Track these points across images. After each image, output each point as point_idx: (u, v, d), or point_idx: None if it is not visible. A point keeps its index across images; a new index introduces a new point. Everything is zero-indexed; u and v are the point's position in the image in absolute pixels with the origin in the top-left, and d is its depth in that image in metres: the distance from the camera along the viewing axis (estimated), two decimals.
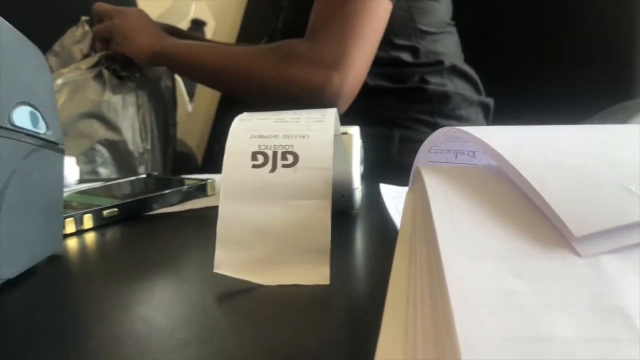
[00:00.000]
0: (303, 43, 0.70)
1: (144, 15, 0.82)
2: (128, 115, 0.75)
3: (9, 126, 0.25)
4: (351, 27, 0.67)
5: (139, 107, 0.77)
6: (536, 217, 0.15)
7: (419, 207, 0.18)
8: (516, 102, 0.83)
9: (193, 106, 1.33)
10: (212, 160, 1.14)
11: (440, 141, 0.26)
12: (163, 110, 0.82)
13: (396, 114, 0.79)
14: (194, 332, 0.21)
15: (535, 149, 0.18)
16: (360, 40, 0.67)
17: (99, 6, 0.83)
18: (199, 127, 1.27)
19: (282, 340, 0.20)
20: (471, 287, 0.13)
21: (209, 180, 0.48)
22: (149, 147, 0.77)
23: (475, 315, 0.12)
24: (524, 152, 0.18)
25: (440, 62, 0.79)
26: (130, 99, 0.76)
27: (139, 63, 0.80)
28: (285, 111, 0.31)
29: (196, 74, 0.79)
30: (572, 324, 0.12)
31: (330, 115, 0.30)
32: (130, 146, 0.75)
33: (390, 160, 0.77)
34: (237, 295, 0.25)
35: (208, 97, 1.26)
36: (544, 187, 0.16)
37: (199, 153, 1.22)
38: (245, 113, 0.31)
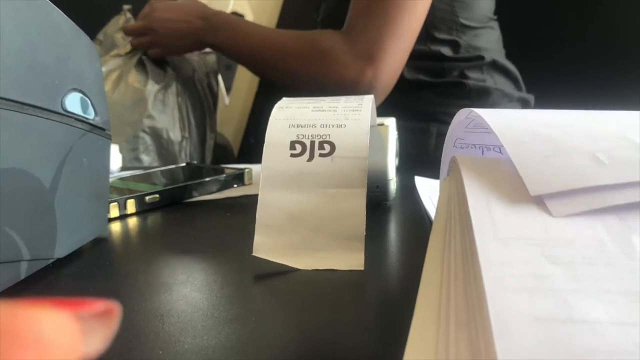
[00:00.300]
0: (339, 36, 0.70)
1: (169, 12, 0.80)
2: (169, 103, 0.77)
3: (62, 111, 0.26)
4: (389, 22, 0.66)
5: (177, 96, 0.78)
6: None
7: (455, 194, 0.19)
8: (558, 99, 0.81)
9: (230, 99, 1.35)
10: (248, 152, 1.15)
11: (463, 127, 0.26)
12: (199, 100, 0.84)
13: (434, 109, 0.78)
14: (233, 312, 0.22)
15: (526, 123, 0.19)
16: (397, 36, 0.67)
17: (126, 29, 0.83)
18: (236, 119, 1.29)
19: (318, 321, 0.21)
20: (505, 271, 0.14)
21: (246, 170, 0.49)
22: (187, 135, 0.79)
23: (508, 298, 0.13)
24: (514, 125, 0.19)
25: (481, 57, 0.78)
26: (171, 87, 0.78)
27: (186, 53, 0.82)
28: (323, 98, 0.32)
29: (239, 56, 0.80)
30: (605, 308, 0.12)
31: (367, 103, 0.30)
32: (172, 134, 0.77)
33: (426, 154, 0.77)
34: (274, 278, 0.26)
35: (245, 90, 1.28)
36: (517, 152, 0.17)
37: (235, 145, 1.23)
38: (284, 99, 0.32)
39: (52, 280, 0.26)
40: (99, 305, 0.10)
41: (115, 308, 0.10)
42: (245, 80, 1.24)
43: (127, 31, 0.82)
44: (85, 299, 0.10)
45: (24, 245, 0.24)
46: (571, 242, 0.14)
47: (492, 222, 0.15)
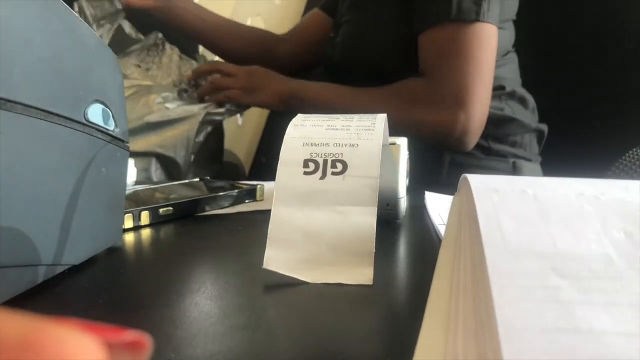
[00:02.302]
0: (423, 83, 0.70)
1: (263, 69, 0.85)
2: (179, 125, 0.78)
3: (84, 121, 0.27)
4: (469, 61, 0.66)
5: (189, 119, 0.79)
6: (577, 219, 0.16)
7: (465, 209, 0.19)
8: (568, 129, 0.82)
9: (243, 120, 1.38)
10: (259, 170, 1.17)
11: None
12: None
13: None
14: (243, 319, 0.22)
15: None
16: (480, 73, 0.67)
17: (206, 67, 0.86)
18: (248, 139, 1.31)
19: (326, 330, 0.21)
20: (514, 282, 0.14)
21: (258, 186, 0.50)
22: (191, 159, 0.80)
23: (516, 308, 0.13)
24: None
25: (502, 87, 0.78)
26: (185, 109, 0.79)
27: (273, 109, 0.86)
28: (338, 115, 0.32)
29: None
30: (610, 319, 0.12)
31: (380, 123, 0.31)
32: (179, 158, 0.77)
33: (438, 183, 0.76)
34: (283, 289, 0.26)
35: (257, 112, 1.30)
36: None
37: (246, 164, 1.25)
38: (299, 116, 0.33)
39: (67, 285, 0.27)
40: (130, 335, 0.09)
41: (146, 341, 0.10)
42: None
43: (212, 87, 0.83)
44: (116, 327, 0.09)
45: (43, 250, 0.25)
46: (579, 257, 0.15)
47: (502, 236, 0.16)
